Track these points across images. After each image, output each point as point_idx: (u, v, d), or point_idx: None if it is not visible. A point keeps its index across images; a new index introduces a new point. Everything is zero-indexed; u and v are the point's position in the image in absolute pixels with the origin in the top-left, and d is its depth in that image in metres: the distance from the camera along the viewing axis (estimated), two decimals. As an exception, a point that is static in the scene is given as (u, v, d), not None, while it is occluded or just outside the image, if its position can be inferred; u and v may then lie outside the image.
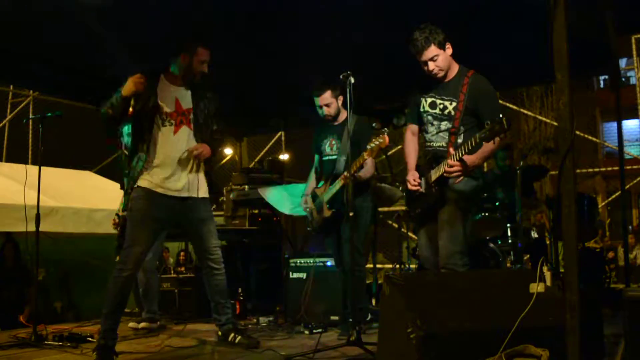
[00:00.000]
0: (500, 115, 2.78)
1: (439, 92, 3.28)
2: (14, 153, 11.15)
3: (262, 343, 3.74)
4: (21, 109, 11.45)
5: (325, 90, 4.15)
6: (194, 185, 3.55)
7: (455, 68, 3.28)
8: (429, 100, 3.31)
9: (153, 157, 3.46)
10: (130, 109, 3.32)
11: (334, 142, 4.26)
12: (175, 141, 3.49)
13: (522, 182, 4.78)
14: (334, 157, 4.23)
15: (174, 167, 3.48)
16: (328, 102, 4.18)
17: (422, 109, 3.35)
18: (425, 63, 3.21)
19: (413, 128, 3.49)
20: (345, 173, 3.89)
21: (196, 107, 3.55)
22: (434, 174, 3.22)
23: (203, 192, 3.61)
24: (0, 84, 10.04)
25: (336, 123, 4.27)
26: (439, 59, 3.19)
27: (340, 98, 4.16)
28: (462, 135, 3.20)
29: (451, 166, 3.07)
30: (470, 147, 2.96)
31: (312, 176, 4.49)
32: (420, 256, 3.50)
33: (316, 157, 4.45)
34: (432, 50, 3.17)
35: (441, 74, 3.24)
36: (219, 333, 3.77)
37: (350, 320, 3.84)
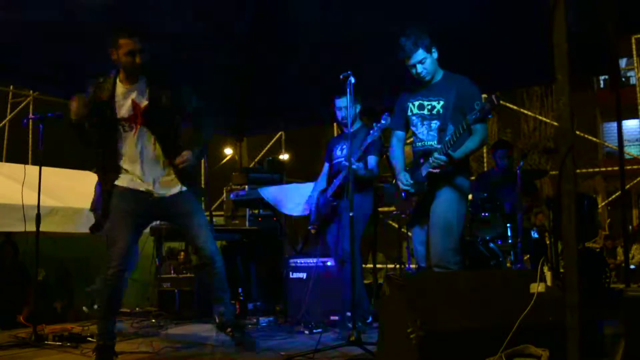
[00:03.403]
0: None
1: (426, 95, 3.40)
2: (14, 153, 11.15)
3: (262, 343, 3.74)
4: (21, 109, 11.46)
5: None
6: (165, 184, 3.48)
7: (439, 72, 3.41)
8: (417, 103, 3.43)
9: (120, 162, 3.43)
10: (87, 125, 3.29)
11: (344, 147, 4.37)
12: (136, 142, 3.42)
13: (523, 182, 4.79)
14: (342, 159, 4.36)
15: (140, 169, 3.43)
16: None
17: (410, 113, 3.46)
18: (414, 66, 3.33)
19: (399, 135, 3.61)
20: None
21: (152, 103, 3.42)
22: (425, 169, 3.30)
23: (175, 189, 3.51)
24: (0, 83, 10.05)
25: (351, 130, 4.35)
26: (426, 62, 3.33)
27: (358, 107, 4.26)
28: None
29: (436, 158, 3.18)
30: (462, 131, 3.09)
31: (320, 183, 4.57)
32: (414, 254, 3.56)
33: (325, 165, 4.57)
34: (420, 53, 3.30)
35: (428, 77, 3.36)
36: (217, 321, 3.67)
37: (349, 314, 3.85)
